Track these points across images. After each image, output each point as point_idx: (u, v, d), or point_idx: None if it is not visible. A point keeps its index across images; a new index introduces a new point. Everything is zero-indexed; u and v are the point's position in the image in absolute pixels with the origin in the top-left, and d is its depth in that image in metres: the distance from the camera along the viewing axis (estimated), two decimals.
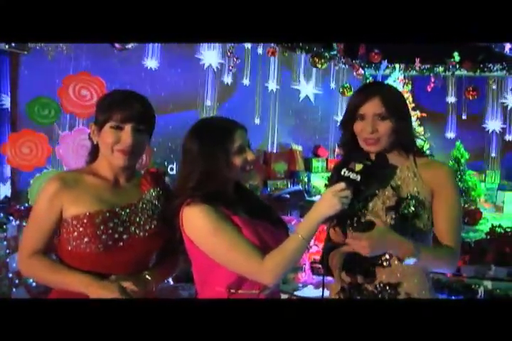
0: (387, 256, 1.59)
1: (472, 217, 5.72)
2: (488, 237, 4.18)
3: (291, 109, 7.24)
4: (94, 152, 1.63)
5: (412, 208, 1.56)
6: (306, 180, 7.13)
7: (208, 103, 5.92)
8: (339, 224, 1.59)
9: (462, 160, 6.65)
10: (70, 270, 1.53)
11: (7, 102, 4.18)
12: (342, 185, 1.42)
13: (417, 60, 7.16)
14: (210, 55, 5.82)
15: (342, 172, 1.43)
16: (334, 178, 1.47)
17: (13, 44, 4.02)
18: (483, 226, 5.52)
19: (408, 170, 1.63)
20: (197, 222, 1.47)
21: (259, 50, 6.34)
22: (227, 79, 6.05)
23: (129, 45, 4.08)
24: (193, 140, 1.54)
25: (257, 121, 6.65)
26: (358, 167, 1.44)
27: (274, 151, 7.03)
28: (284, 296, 4.01)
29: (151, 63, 5.20)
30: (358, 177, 1.43)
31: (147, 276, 1.58)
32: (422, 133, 7.33)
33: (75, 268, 1.53)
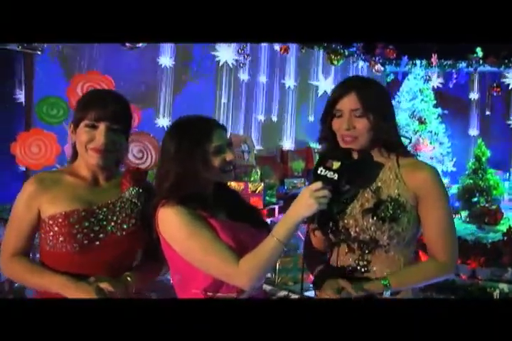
0: (365, 262, 1.54)
1: (493, 216, 5.57)
2: (505, 238, 4.06)
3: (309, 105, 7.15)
4: (74, 151, 1.62)
5: (391, 211, 1.48)
6: None
7: (224, 100, 5.88)
8: (319, 227, 1.54)
9: (483, 159, 6.47)
10: (48, 271, 1.53)
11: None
12: (318, 184, 1.36)
13: (434, 56, 6.98)
14: (225, 51, 5.71)
15: (318, 171, 1.38)
16: (312, 177, 1.41)
17: (25, 44, 4.06)
18: (504, 227, 5.37)
19: (390, 170, 1.55)
20: (171, 224, 1.45)
21: (276, 47, 6.26)
22: (244, 75, 5.97)
23: (139, 44, 4.07)
24: (170, 139, 1.51)
25: (274, 118, 6.59)
26: (336, 165, 1.38)
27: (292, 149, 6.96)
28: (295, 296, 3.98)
29: (166, 60, 5.16)
30: (336, 176, 1.36)
31: (128, 278, 1.56)
32: (444, 131, 7.19)
33: (54, 269, 1.53)
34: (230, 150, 1.53)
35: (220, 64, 5.71)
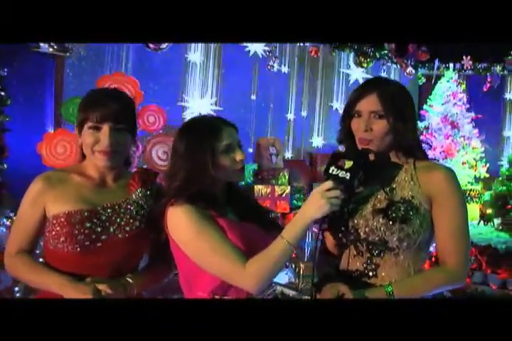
0: (374, 266, 1.50)
1: None
2: None
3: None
4: (82, 152, 1.62)
5: (402, 212, 1.43)
6: None
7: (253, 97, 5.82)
8: (329, 228, 1.51)
9: None
10: (48, 270, 1.53)
11: None
12: (329, 184, 1.32)
13: (466, 59, 6.81)
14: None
15: (330, 170, 1.33)
16: (324, 177, 1.37)
17: (55, 46, 4.13)
18: None
19: (406, 172, 1.51)
20: (179, 223, 1.43)
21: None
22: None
23: (164, 45, 4.08)
24: (180, 138, 1.51)
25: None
26: (348, 164, 1.33)
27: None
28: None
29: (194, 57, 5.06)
30: (348, 175, 1.32)
31: (128, 279, 1.54)
32: (477, 135, 6.99)
33: (56, 269, 1.52)
34: (241, 150, 1.52)
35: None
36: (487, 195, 6.47)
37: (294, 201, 5.86)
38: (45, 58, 4.35)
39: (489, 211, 6.24)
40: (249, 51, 5.48)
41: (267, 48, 5.60)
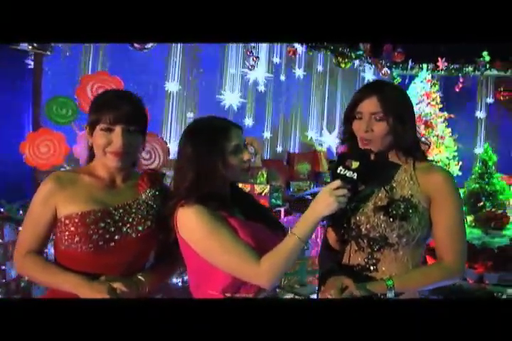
0: (374, 261, 1.57)
1: (499, 221, 5.56)
2: None
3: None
4: (91, 152, 1.62)
5: (402, 210, 1.51)
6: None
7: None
8: (332, 225, 1.58)
9: (490, 163, 6.45)
10: (61, 270, 1.53)
11: None
12: (338, 183, 1.39)
13: (441, 60, 6.99)
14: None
15: (338, 170, 1.41)
16: (331, 177, 1.44)
17: (35, 44, 4.06)
18: (511, 232, 5.36)
19: (405, 172, 1.59)
20: (190, 224, 1.45)
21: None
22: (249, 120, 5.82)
23: (149, 45, 4.07)
24: (188, 139, 1.52)
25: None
26: (355, 165, 1.40)
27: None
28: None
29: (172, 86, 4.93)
30: (355, 175, 1.39)
31: (140, 277, 1.56)
32: (450, 134, 7.17)
33: (68, 268, 1.53)
34: (247, 150, 1.55)
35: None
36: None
37: (273, 200, 5.90)
38: (23, 56, 4.28)
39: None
40: (224, 105, 5.37)
41: (242, 100, 5.56)
